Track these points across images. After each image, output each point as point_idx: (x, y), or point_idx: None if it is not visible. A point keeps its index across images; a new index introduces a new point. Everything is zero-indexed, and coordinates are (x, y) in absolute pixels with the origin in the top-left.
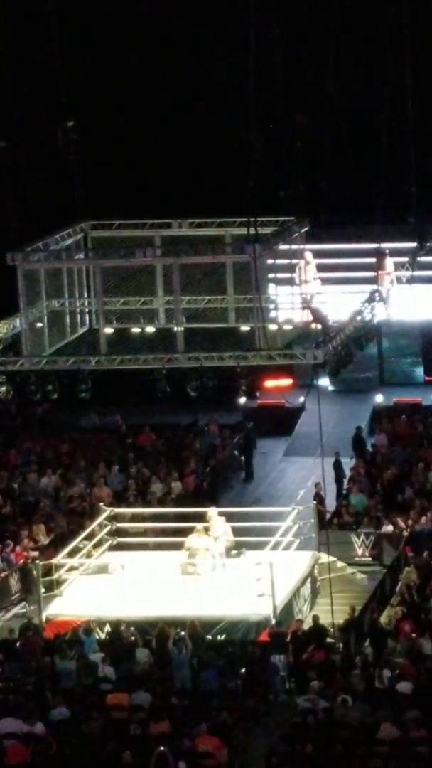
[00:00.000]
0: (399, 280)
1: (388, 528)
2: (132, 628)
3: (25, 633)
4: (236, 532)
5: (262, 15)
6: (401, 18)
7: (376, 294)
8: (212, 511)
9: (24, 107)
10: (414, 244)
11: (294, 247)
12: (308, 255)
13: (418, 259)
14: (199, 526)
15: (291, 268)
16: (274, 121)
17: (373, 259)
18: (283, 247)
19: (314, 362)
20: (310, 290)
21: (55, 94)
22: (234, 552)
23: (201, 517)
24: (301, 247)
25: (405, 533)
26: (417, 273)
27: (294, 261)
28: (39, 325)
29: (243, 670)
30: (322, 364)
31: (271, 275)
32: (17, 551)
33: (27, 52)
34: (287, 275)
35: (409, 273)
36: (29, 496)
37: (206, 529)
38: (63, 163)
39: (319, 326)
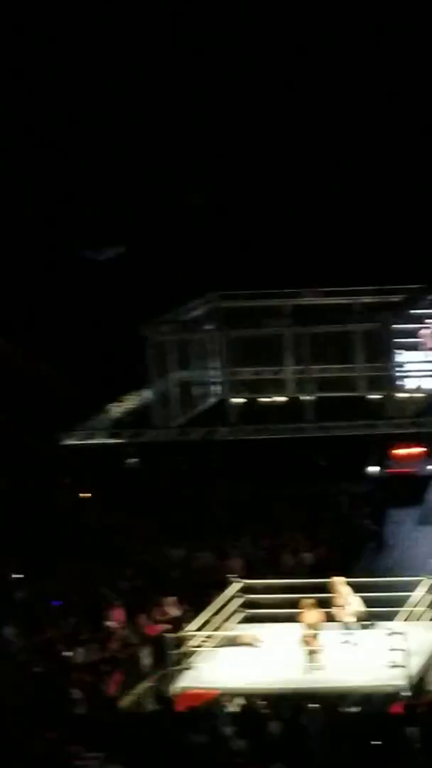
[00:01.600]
0: None
1: None
2: (264, 702)
3: (158, 705)
4: (367, 602)
5: None
6: None
7: None
8: (338, 580)
9: (151, 177)
10: None
11: (423, 311)
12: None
13: None
14: (307, 600)
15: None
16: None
17: None
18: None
19: None
20: None
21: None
22: (366, 623)
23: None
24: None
25: None
26: None
27: (423, 326)
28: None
29: (377, 742)
30: None
31: (400, 340)
32: (149, 625)
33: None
34: (414, 340)
35: None
36: (160, 569)
37: (318, 603)
38: (191, 233)
39: None
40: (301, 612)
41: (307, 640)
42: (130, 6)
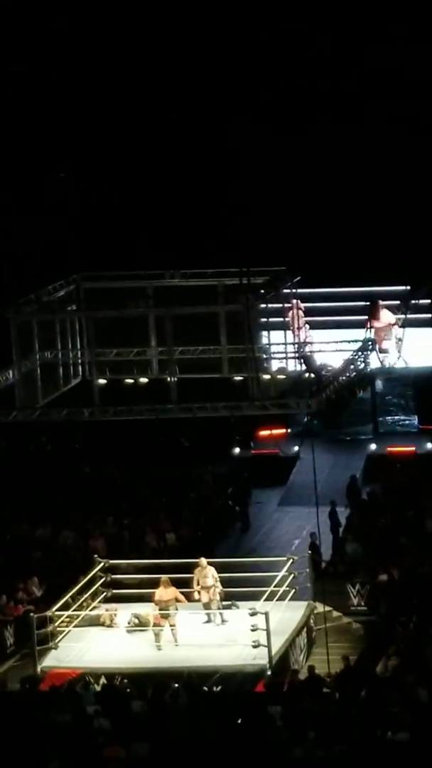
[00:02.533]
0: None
1: (383, 577)
2: (126, 680)
3: (23, 685)
4: (232, 582)
5: None
6: None
7: (369, 343)
8: (203, 561)
9: (15, 158)
10: (407, 287)
11: (286, 292)
12: (298, 303)
13: (412, 302)
14: (164, 577)
15: (283, 315)
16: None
17: (365, 303)
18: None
19: (308, 411)
20: (303, 338)
21: (46, 145)
22: (226, 603)
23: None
24: (293, 291)
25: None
26: (410, 316)
27: (287, 305)
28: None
29: (239, 721)
30: (316, 413)
31: (263, 320)
32: (11, 605)
33: (17, 101)
34: (279, 320)
35: (401, 316)
36: (23, 549)
37: (171, 582)
38: (55, 214)
39: (312, 375)
40: (153, 592)
41: (155, 619)
42: None
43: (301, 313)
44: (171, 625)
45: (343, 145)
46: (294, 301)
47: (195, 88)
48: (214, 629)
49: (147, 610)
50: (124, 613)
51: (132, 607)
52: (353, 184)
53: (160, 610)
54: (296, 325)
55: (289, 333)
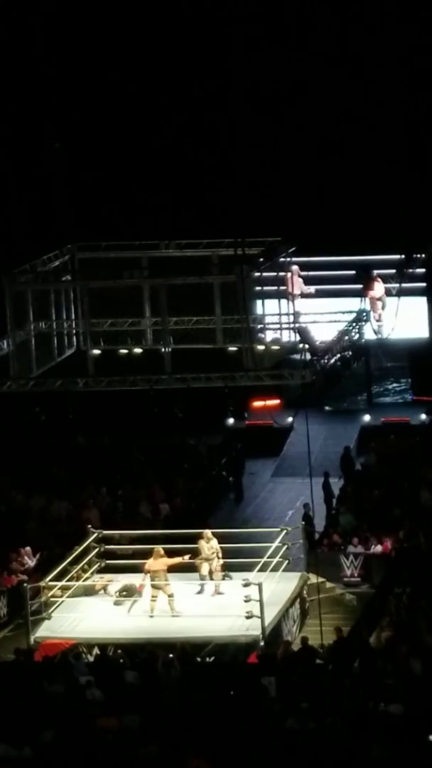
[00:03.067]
0: (388, 292)
1: (377, 548)
2: (120, 651)
3: (17, 655)
4: (225, 553)
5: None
6: None
7: (364, 314)
8: (208, 533)
9: (10, 129)
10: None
11: (281, 260)
12: (298, 271)
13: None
14: (157, 547)
15: (278, 284)
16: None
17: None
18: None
19: (302, 382)
20: (298, 308)
21: (41, 115)
22: (222, 573)
23: (189, 539)
24: (289, 259)
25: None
26: (404, 285)
27: (281, 274)
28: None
29: (232, 692)
30: (310, 384)
31: (257, 288)
32: (4, 575)
33: (12, 72)
34: (274, 289)
35: (396, 285)
36: (17, 519)
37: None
38: (50, 184)
39: (307, 346)
40: (144, 562)
41: (139, 588)
42: None
43: (299, 280)
44: (169, 595)
45: (337, 113)
46: (294, 268)
47: (190, 57)
48: (208, 600)
49: (137, 580)
50: (116, 584)
51: (126, 577)
52: (348, 153)
53: (151, 579)
54: (294, 292)
55: (284, 302)
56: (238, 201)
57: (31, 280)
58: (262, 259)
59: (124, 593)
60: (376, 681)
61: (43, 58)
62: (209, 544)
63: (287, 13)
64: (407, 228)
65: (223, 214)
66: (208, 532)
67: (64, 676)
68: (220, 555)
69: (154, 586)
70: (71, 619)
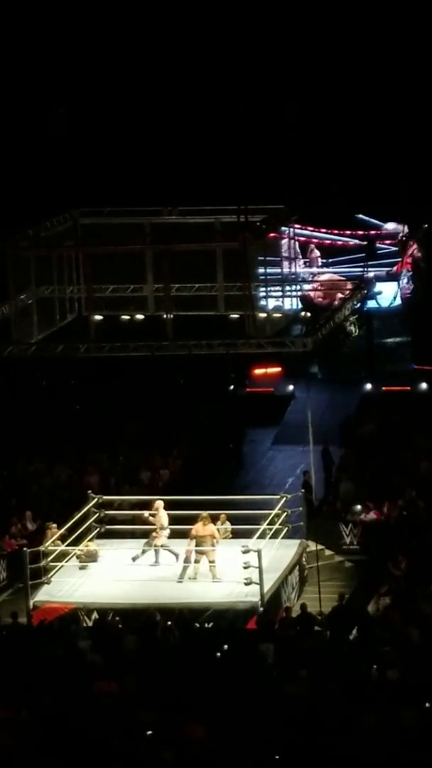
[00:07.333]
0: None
1: (370, 515)
2: (118, 617)
3: (14, 619)
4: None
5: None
6: None
7: (363, 283)
8: (158, 503)
9: (13, 94)
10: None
11: (284, 229)
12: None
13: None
14: (204, 513)
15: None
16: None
17: (360, 242)
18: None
19: (303, 350)
20: (303, 272)
21: (45, 80)
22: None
23: (189, 505)
24: (290, 228)
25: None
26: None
27: (283, 240)
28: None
29: (227, 656)
30: (312, 352)
31: (260, 258)
32: (5, 539)
33: (16, 37)
34: (277, 258)
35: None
36: (18, 484)
37: (213, 519)
38: (54, 149)
39: (309, 314)
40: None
41: (186, 553)
42: None
43: (296, 246)
44: (210, 561)
45: (339, 82)
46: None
47: (194, 26)
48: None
49: (182, 545)
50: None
51: (124, 543)
52: (351, 121)
53: (196, 545)
54: (292, 255)
55: (286, 270)
56: (241, 168)
57: (33, 246)
58: (264, 227)
59: (86, 558)
60: (374, 648)
61: (48, 23)
62: (204, 529)
63: None
64: (412, 197)
65: (227, 181)
66: (206, 516)
67: (63, 641)
68: (218, 537)
69: (198, 552)
70: (71, 584)
